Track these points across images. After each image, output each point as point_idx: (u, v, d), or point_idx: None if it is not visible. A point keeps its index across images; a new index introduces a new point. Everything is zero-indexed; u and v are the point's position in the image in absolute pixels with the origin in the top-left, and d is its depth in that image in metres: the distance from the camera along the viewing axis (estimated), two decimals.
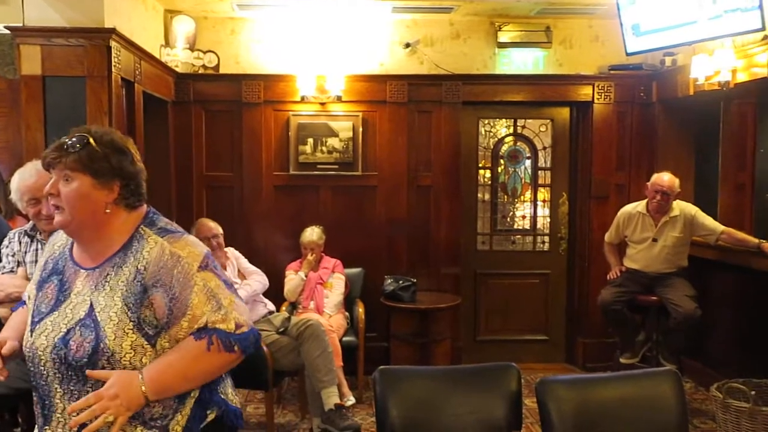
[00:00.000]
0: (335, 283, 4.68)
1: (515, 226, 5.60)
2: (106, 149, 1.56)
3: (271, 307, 4.23)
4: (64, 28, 3.53)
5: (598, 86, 5.19)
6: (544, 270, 5.52)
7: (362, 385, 4.59)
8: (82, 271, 1.59)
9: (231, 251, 4.29)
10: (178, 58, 4.96)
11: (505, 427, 2.56)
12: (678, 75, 4.84)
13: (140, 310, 1.52)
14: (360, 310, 4.71)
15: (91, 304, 1.53)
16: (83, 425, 1.46)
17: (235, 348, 1.56)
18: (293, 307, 4.66)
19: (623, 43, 4.81)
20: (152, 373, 1.50)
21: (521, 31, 5.24)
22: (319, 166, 5.11)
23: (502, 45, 5.27)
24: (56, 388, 1.52)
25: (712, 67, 4.27)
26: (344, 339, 4.49)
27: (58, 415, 1.53)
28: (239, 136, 5.10)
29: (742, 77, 4.18)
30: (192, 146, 5.05)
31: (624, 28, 4.75)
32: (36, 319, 1.55)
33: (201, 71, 5.11)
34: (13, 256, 2.60)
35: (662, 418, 2.54)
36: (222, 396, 1.66)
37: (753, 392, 3.61)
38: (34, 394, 1.57)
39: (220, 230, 4.14)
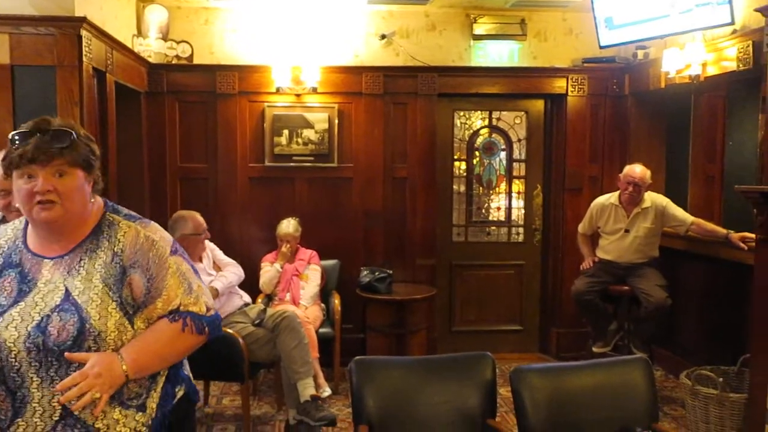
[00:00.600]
0: (311, 275, 4.67)
1: (490, 218, 5.64)
2: (87, 141, 1.60)
3: (247, 298, 4.21)
4: (33, 16, 3.46)
5: (571, 79, 5.24)
6: (519, 261, 5.58)
7: (338, 376, 4.60)
8: (46, 260, 1.59)
9: (206, 243, 4.25)
10: (151, 48, 4.89)
11: (480, 415, 2.59)
12: (650, 68, 4.91)
13: (121, 290, 1.58)
14: (336, 301, 4.71)
15: (67, 290, 1.55)
16: (66, 406, 1.49)
17: (206, 330, 1.66)
18: (269, 299, 4.65)
19: (597, 36, 4.87)
20: (131, 353, 1.55)
21: (496, 23, 5.27)
22: (294, 158, 5.09)
23: (478, 37, 5.29)
24: (32, 378, 1.52)
25: (683, 61, 4.34)
26: (320, 330, 4.49)
27: (35, 405, 1.52)
28: (214, 128, 5.06)
29: (712, 71, 4.25)
30: (166, 137, 5.00)
31: (597, 22, 4.80)
32: None
33: (174, 61, 5.05)
34: None
35: (633, 404, 2.59)
36: (186, 373, 1.77)
37: (721, 379, 3.70)
38: None
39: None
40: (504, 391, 3.97)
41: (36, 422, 1.53)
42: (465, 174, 5.55)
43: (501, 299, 5.56)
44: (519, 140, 5.55)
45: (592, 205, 4.66)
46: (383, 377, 2.63)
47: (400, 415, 2.56)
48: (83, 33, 3.52)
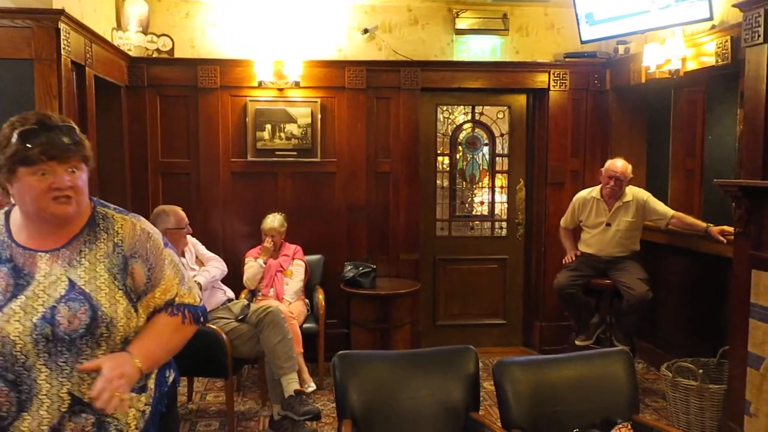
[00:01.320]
0: (295, 270, 4.66)
1: (474, 212, 5.66)
2: (85, 138, 1.65)
3: (231, 294, 4.18)
4: (10, 8, 3.40)
5: (553, 74, 5.26)
6: (502, 255, 5.60)
7: (323, 371, 4.60)
8: (41, 253, 1.59)
9: (188, 238, 4.22)
10: (131, 42, 4.84)
11: (464, 408, 2.61)
12: (630, 63, 4.94)
13: (125, 279, 1.64)
14: (320, 296, 4.70)
15: (71, 281, 1.58)
16: (76, 400, 1.55)
17: (201, 319, 1.77)
18: (253, 294, 4.63)
19: (578, 31, 4.89)
20: (141, 349, 1.62)
21: (479, 18, 5.27)
22: (277, 153, 5.07)
23: (460, 32, 5.29)
24: (40, 369, 1.53)
25: (663, 56, 4.37)
26: (304, 326, 4.49)
27: (42, 397, 1.53)
28: (195, 122, 5.02)
29: (692, 66, 4.29)
30: (147, 132, 4.95)
31: (578, 17, 4.82)
32: None
33: (155, 55, 5.00)
34: None
35: (615, 396, 2.63)
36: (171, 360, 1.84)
37: (701, 371, 3.75)
38: None
39: None
40: (488, 385, 4.00)
41: (43, 414, 1.53)
42: (448, 169, 5.56)
43: (484, 293, 5.58)
44: (502, 135, 5.56)
45: (574, 199, 4.69)
46: (367, 371, 2.64)
47: (383, 409, 2.57)
48: (61, 26, 3.47)
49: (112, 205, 1.75)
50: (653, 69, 4.45)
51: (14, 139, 1.52)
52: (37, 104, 3.42)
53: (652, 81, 4.59)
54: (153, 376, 1.72)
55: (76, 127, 1.61)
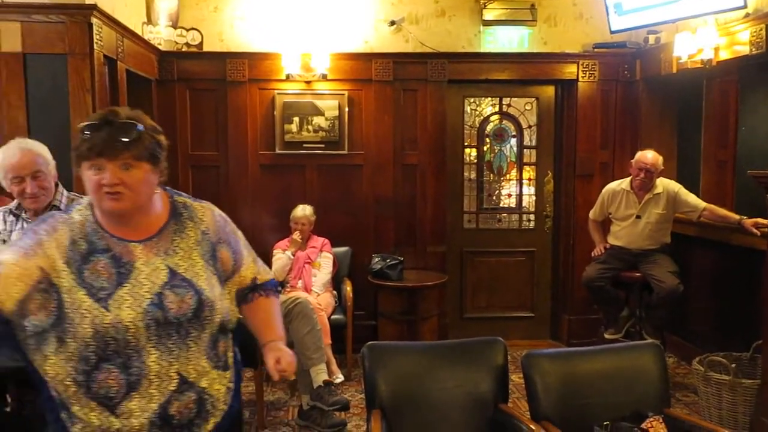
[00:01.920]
0: (323, 262, 4.69)
1: (501, 205, 5.64)
2: (153, 134, 1.65)
3: None
4: (44, 3, 3.47)
5: (582, 64, 5.20)
6: (530, 248, 5.57)
7: (350, 362, 4.63)
8: (134, 243, 1.65)
9: None
10: (161, 36, 4.89)
11: (492, 400, 2.61)
12: (661, 53, 4.87)
13: (216, 264, 1.74)
14: (348, 288, 4.73)
15: (170, 268, 1.65)
16: (183, 379, 1.63)
17: (278, 289, 2.01)
18: (281, 285, 4.67)
19: (607, 21, 4.82)
20: (278, 333, 1.89)
21: (506, 8, 5.23)
22: (305, 145, 5.09)
23: (487, 23, 5.26)
24: (150, 351, 1.58)
25: (695, 45, 4.30)
26: (332, 317, 4.51)
27: (152, 377, 1.59)
28: (224, 115, 5.07)
29: (725, 55, 4.21)
30: (176, 125, 5.01)
31: (607, 7, 4.76)
32: (102, 295, 1.57)
33: (184, 49, 5.05)
34: None
35: (645, 389, 2.60)
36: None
37: (733, 365, 3.69)
38: (106, 366, 1.56)
39: None
40: (515, 378, 3.99)
41: (153, 393, 1.60)
42: (475, 161, 5.53)
43: (512, 286, 5.56)
44: (529, 126, 5.52)
45: (604, 191, 4.65)
46: (395, 362, 2.66)
47: (412, 400, 2.58)
48: (94, 21, 3.53)
49: (184, 194, 1.82)
50: (685, 59, 4.37)
51: (81, 132, 1.58)
52: (70, 98, 3.49)
53: (683, 71, 4.51)
54: (231, 354, 1.79)
55: (141, 123, 1.62)
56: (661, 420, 2.46)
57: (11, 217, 2.60)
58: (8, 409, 2.98)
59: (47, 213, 1.65)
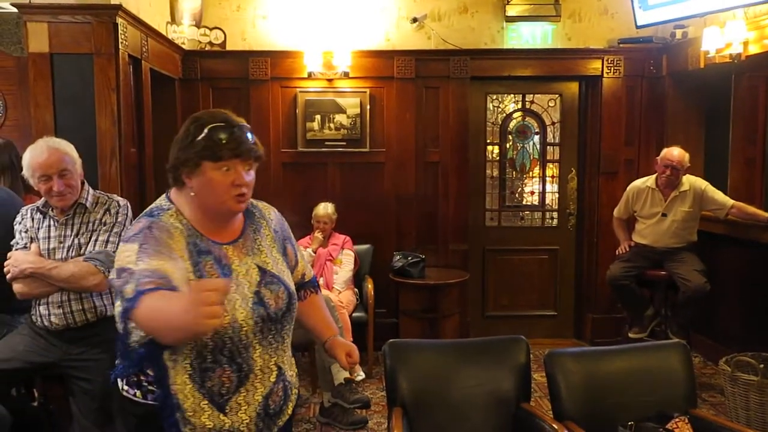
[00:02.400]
0: (345, 260, 4.69)
1: (524, 202, 5.59)
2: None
3: None
4: (71, 4, 3.51)
5: (607, 60, 5.14)
6: (553, 246, 5.52)
7: (372, 360, 4.63)
8: (225, 245, 1.69)
9: None
10: (185, 35, 4.93)
11: (514, 399, 2.59)
12: (688, 48, 4.79)
13: (287, 259, 1.84)
14: (369, 286, 4.73)
15: (259, 267, 1.71)
16: (281, 370, 1.72)
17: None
18: None
19: (633, 16, 4.76)
20: (335, 327, 2.03)
21: (530, 4, 5.17)
22: (326, 143, 5.10)
23: (510, 19, 5.21)
24: (255, 347, 1.65)
25: (724, 40, 4.22)
26: (354, 315, 4.52)
27: (257, 371, 1.66)
28: (247, 114, 5.08)
29: (754, 49, 4.13)
30: None
31: (633, 1, 4.69)
32: None
33: (207, 48, 5.09)
34: (26, 232, 2.62)
35: (670, 389, 2.57)
36: None
37: (761, 366, 3.62)
38: (220, 365, 1.59)
39: None
40: (537, 377, 3.96)
41: (257, 386, 1.67)
42: (498, 158, 5.50)
43: (534, 284, 5.52)
44: (553, 123, 5.47)
45: (629, 188, 4.59)
46: (417, 360, 2.65)
47: (433, 398, 2.57)
48: (119, 21, 3.57)
49: None
50: (713, 53, 4.30)
51: (204, 134, 1.61)
52: (96, 98, 3.53)
53: (711, 66, 4.44)
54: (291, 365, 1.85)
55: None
56: (686, 421, 2.42)
57: (38, 215, 2.64)
58: (35, 404, 3.03)
59: (143, 223, 1.63)
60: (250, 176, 1.66)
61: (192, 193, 1.65)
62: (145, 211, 1.73)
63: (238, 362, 1.63)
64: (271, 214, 1.86)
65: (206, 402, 1.60)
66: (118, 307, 1.57)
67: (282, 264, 1.79)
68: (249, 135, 1.66)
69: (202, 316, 1.26)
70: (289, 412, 1.80)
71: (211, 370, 1.60)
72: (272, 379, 1.69)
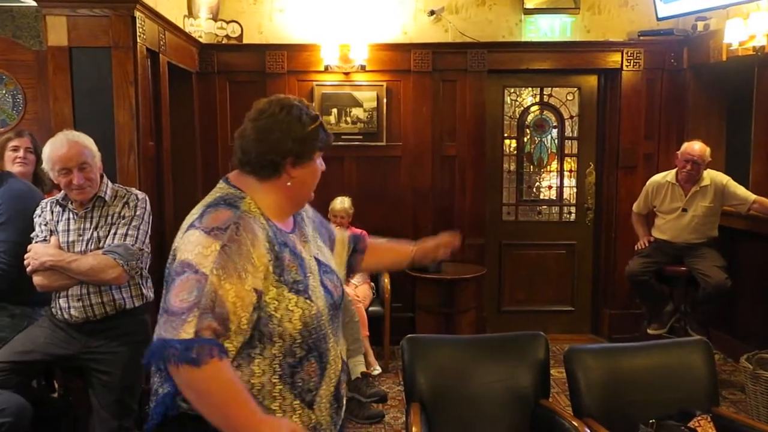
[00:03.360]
0: None
1: (541, 197, 5.55)
2: None
3: None
4: None
5: (626, 53, 5.08)
6: (570, 241, 5.48)
7: (388, 354, 4.62)
8: (291, 234, 1.64)
9: None
10: (202, 29, 4.94)
11: (533, 395, 2.57)
12: (710, 40, 4.71)
13: (328, 246, 1.83)
14: (386, 280, 4.72)
15: (315, 258, 1.68)
16: (343, 360, 1.70)
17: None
18: None
19: (654, 7, 4.69)
20: (408, 244, 2.11)
21: None
22: (343, 137, 5.09)
23: (529, 11, 5.16)
24: (329, 336, 1.61)
25: (747, 32, 4.15)
26: (370, 309, 4.52)
27: (332, 359, 1.62)
28: None
29: None
30: (217, 117, 5.06)
31: None
32: (301, 288, 1.55)
33: (224, 41, 5.09)
34: (45, 225, 2.63)
35: (692, 387, 2.54)
36: None
37: None
38: (307, 357, 1.55)
39: None
40: (555, 372, 3.93)
41: (331, 377, 1.62)
42: (515, 152, 5.46)
43: (551, 279, 5.48)
44: (571, 117, 5.42)
45: (648, 183, 4.54)
46: (435, 355, 2.64)
47: (451, 394, 2.56)
48: (137, 14, 3.57)
49: None
50: (735, 46, 4.23)
51: (317, 124, 1.63)
52: (114, 91, 3.54)
53: (733, 59, 4.37)
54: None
55: None
56: (709, 419, 2.39)
57: (58, 208, 2.65)
58: (55, 395, 3.06)
59: (227, 215, 1.52)
60: None
61: (289, 183, 1.61)
62: (216, 197, 1.59)
63: (321, 352, 1.58)
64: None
65: (297, 401, 1.54)
66: (167, 318, 1.40)
67: (327, 252, 1.78)
68: None
69: None
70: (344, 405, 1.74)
71: (300, 365, 1.54)
72: (340, 369, 1.65)
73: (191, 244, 1.46)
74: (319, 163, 1.68)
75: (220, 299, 1.39)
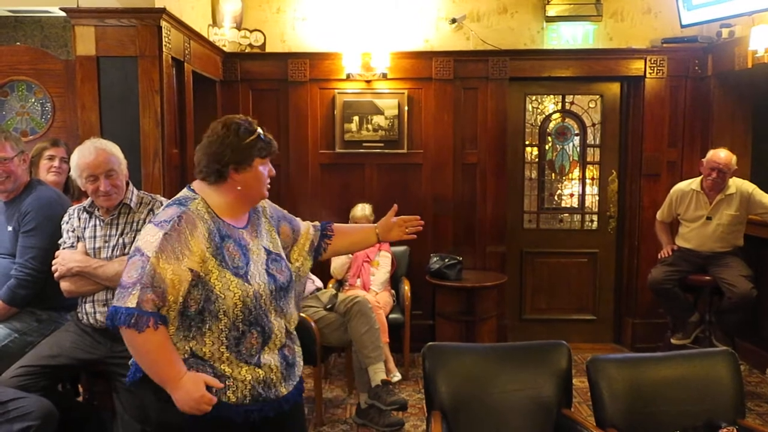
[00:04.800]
0: (382, 261, 4.69)
1: (563, 205, 5.52)
2: None
3: (319, 283, 4.27)
4: (116, 8, 3.59)
5: (650, 60, 5.04)
6: (592, 249, 5.44)
7: (408, 362, 4.62)
8: (241, 229, 2.00)
9: None
10: (226, 38, 5.00)
11: (555, 404, 2.55)
12: (735, 47, 4.66)
13: (280, 239, 2.15)
14: (406, 287, 4.72)
15: (264, 248, 2.03)
16: (287, 331, 2.06)
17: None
18: (340, 284, 4.70)
19: (677, 15, 4.66)
20: (371, 227, 2.49)
21: (570, 4, 5.10)
22: (364, 144, 5.11)
23: (551, 19, 5.15)
24: (272, 311, 1.97)
25: None
26: (390, 316, 4.51)
27: (276, 332, 1.99)
28: (285, 115, 5.14)
29: None
30: None
31: (678, 0, 4.59)
32: (242, 273, 1.91)
33: (248, 50, 5.15)
34: (72, 231, 2.68)
35: (718, 399, 2.50)
36: None
37: None
38: (249, 330, 1.92)
39: None
40: (577, 382, 3.88)
41: (277, 344, 2.00)
42: (537, 160, 5.44)
43: (573, 288, 5.44)
44: (593, 125, 5.39)
45: (672, 191, 4.49)
46: (456, 364, 2.63)
47: (473, 402, 2.55)
48: (163, 24, 3.63)
49: None
50: (761, 53, 4.19)
51: (255, 136, 1.99)
52: (140, 99, 3.60)
53: (759, 66, 4.32)
54: (294, 324, 2.12)
55: None
56: (735, 431, 2.35)
57: (84, 215, 2.70)
58: (80, 399, 3.10)
59: (174, 211, 1.90)
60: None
61: (239, 187, 1.96)
62: (174, 199, 1.99)
63: (262, 326, 1.94)
64: (264, 202, 2.14)
65: (243, 363, 1.92)
66: (119, 291, 1.82)
67: (277, 243, 2.10)
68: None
69: (194, 407, 1.81)
70: (300, 369, 2.10)
71: (243, 337, 1.91)
72: (283, 340, 2.02)
73: (144, 233, 1.88)
74: (263, 169, 1.99)
75: (159, 276, 1.78)
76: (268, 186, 2.04)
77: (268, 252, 2.04)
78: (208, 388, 1.83)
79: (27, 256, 2.75)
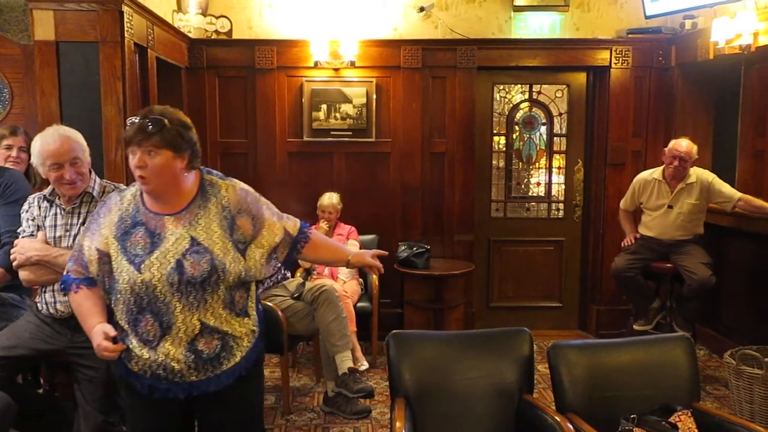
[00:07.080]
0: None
1: (530, 193, 5.58)
2: (178, 127, 2.00)
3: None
4: None
5: (615, 50, 5.10)
6: (559, 237, 5.51)
7: (376, 350, 4.64)
8: (167, 216, 2.02)
9: None
10: (191, 24, 4.92)
11: (517, 390, 2.59)
12: (698, 39, 4.74)
13: (234, 233, 2.05)
14: (374, 276, 4.72)
15: (192, 238, 2.00)
16: (205, 325, 2.01)
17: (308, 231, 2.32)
18: (308, 273, 4.69)
19: (642, 5, 4.71)
20: (346, 249, 2.55)
21: None
22: (332, 133, 5.10)
23: (519, 8, 5.18)
24: (176, 305, 1.97)
25: (734, 30, 4.18)
26: (358, 305, 4.53)
27: (180, 325, 1.98)
28: (253, 103, 5.09)
29: (764, 40, 4.09)
30: (206, 112, 5.05)
31: None
32: (137, 261, 1.97)
33: (214, 37, 5.08)
34: (32, 220, 2.62)
35: (674, 382, 2.56)
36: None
37: (767, 359, 3.61)
38: (144, 315, 1.98)
39: None
40: (541, 368, 3.97)
41: (181, 336, 1.99)
42: (504, 149, 5.48)
43: (540, 276, 5.51)
44: (560, 114, 5.44)
45: (635, 180, 4.57)
46: (420, 351, 2.65)
47: (436, 389, 2.57)
48: (125, 9, 3.56)
49: (215, 171, 2.17)
50: (722, 44, 4.26)
51: (128, 122, 2.00)
52: (102, 86, 3.53)
53: (720, 57, 4.39)
54: (252, 304, 2.15)
55: (166, 119, 1.97)
56: (689, 414, 2.42)
57: (45, 203, 2.64)
58: (41, 391, 3.06)
59: (107, 196, 2.17)
60: (152, 160, 1.95)
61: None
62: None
63: (159, 316, 1.98)
64: (228, 191, 2.08)
65: (141, 344, 2.01)
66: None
67: (219, 238, 2.02)
68: (155, 124, 1.95)
69: (99, 353, 1.99)
70: (236, 360, 2.07)
71: (139, 320, 1.99)
72: (195, 332, 1.99)
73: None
74: (131, 158, 1.98)
75: (82, 249, 2.07)
76: (139, 175, 1.97)
77: (194, 242, 1.99)
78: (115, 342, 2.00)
79: (15, 222, 2.71)
